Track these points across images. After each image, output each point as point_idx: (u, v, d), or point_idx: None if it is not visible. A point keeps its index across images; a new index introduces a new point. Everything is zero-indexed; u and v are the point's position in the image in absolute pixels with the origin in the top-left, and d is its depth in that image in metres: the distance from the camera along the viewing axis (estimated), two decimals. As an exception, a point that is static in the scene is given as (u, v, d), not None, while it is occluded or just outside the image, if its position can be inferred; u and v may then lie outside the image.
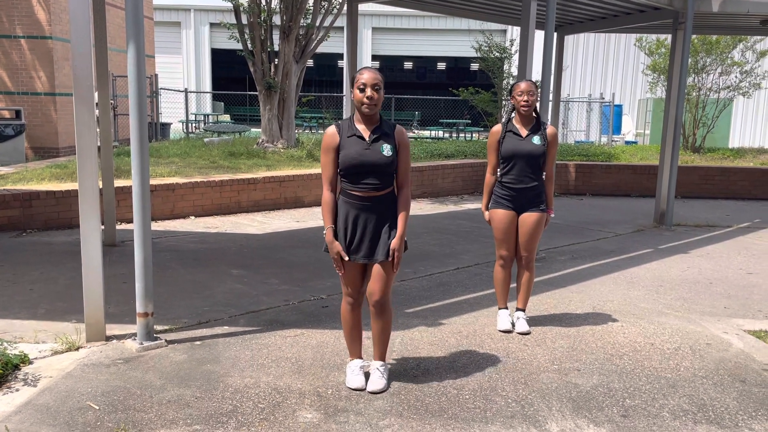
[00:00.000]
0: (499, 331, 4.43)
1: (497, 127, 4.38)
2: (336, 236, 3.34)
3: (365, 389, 3.45)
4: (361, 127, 3.30)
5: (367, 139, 3.27)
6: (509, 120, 4.34)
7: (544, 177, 4.34)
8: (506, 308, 4.54)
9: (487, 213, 4.45)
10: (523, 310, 4.54)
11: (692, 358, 4.09)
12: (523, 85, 4.25)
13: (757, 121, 23.14)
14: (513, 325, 4.48)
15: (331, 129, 3.33)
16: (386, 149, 3.26)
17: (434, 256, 6.63)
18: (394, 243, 3.30)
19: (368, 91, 3.20)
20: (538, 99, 4.22)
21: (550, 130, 4.33)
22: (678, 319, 4.85)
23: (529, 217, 4.32)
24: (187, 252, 6.59)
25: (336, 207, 3.36)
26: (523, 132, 4.27)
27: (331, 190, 3.35)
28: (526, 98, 4.20)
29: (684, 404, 3.43)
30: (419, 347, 4.14)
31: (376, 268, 3.36)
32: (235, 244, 6.99)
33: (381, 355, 3.55)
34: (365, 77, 3.19)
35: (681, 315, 4.97)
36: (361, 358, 3.60)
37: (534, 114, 4.29)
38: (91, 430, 2.99)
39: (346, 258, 3.33)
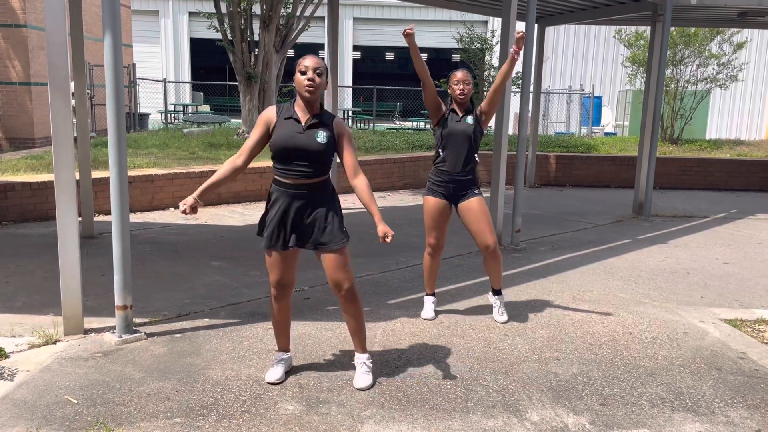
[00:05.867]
0: (424, 319, 4.48)
1: (444, 106, 4.41)
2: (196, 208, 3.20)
3: (282, 383, 3.43)
4: (300, 113, 3.28)
5: (303, 123, 3.25)
6: (450, 103, 4.39)
7: (477, 159, 4.36)
8: (432, 295, 4.60)
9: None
10: (500, 292, 4.55)
11: (670, 346, 4.15)
12: (459, 74, 4.26)
13: (734, 113, 23.46)
14: (436, 313, 4.56)
15: (271, 108, 3.35)
16: (321, 136, 3.22)
17: (416, 247, 6.63)
18: (382, 228, 3.22)
19: (309, 73, 3.20)
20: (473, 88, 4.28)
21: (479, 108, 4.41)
22: (656, 309, 4.91)
23: (469, 204, 4.31)
24: (167, 244, 6.53)
25: (229, 176, 3.27)
26: (460, 114, 4.31)
27: (238, 157, 3.28)
28: (461, 87, 4.24)
29: (662, 392, 3.48)
30: (401, 338, 4.15)
31: (330, 258, 3.29)
32: (216, 236, 6.94)
33: (363, 347, 3.53)
34: (307, 61, 3.22)
35: (659, 304, 5.03)
36: (286, 350, 3.59)
37: (470, 103, 4.35)
38: (69, 425, 2.96)
39: (189, 204, 3.18)
